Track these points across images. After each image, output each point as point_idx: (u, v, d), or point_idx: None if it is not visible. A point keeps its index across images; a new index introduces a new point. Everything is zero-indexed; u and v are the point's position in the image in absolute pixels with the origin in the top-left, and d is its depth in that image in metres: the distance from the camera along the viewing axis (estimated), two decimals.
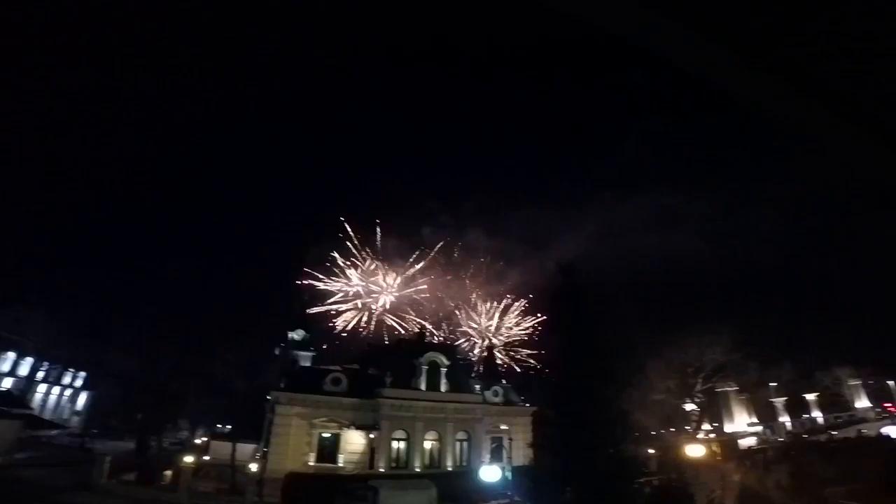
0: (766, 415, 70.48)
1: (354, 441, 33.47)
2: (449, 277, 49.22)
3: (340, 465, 32.61)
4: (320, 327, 40.82)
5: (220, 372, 37.11)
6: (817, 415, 73.58)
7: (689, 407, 51.02)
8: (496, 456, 35.65)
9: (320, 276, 56.35)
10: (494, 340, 48.95)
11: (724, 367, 50.59)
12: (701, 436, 50.18)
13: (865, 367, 74.04)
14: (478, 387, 37.73)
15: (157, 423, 45.33)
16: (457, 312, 46.71)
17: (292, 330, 38.91)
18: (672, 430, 49.54)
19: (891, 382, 79.87)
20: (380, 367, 34.91)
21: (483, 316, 50.70)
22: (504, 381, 39.69)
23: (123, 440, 45.59)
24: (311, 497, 28.15)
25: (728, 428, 66.72)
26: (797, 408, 73.59)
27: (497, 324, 51.22)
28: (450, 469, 34.04)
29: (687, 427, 51.30)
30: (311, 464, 32.01)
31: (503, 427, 37.21)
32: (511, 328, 52.00)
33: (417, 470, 33.06)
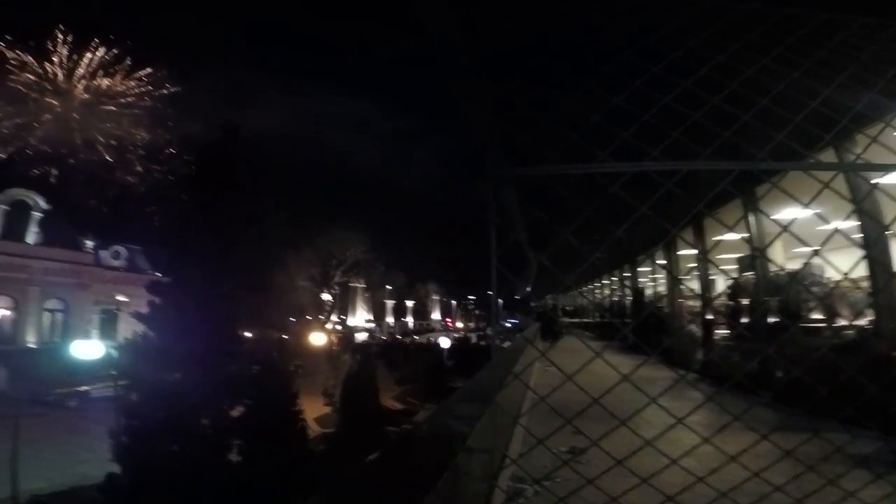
0: (378, 314, 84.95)
1: None
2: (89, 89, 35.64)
3: None
4: None
5: None
6: (410, 320, 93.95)
7: (326, 297, 56.08)
8: (107, 331, 29.78)
9: None
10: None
11: (360, 264, 57.92)
12: (329, 326, 55.72)
13: (442, 287, 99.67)
14: (90, 244, 30.20)
15: None
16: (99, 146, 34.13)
17: None
18: (308, 318, 53.19)
19: (454, 302, 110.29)
20: None
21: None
22: (134, 243, 32.55)
23: None
24: None
25: (350, 322, 76.43)
26: (399, 311, 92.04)
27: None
28: (32, 346, 26.87)
29: (321, 316, 56.23)
30: None
31: (121, 297, 31.20)
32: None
33: None
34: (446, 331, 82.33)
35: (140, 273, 31.35)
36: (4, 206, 26.55)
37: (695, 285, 12.51)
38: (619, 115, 1.52)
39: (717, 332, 11.53)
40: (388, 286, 76.27)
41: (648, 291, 17.66)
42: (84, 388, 23.06)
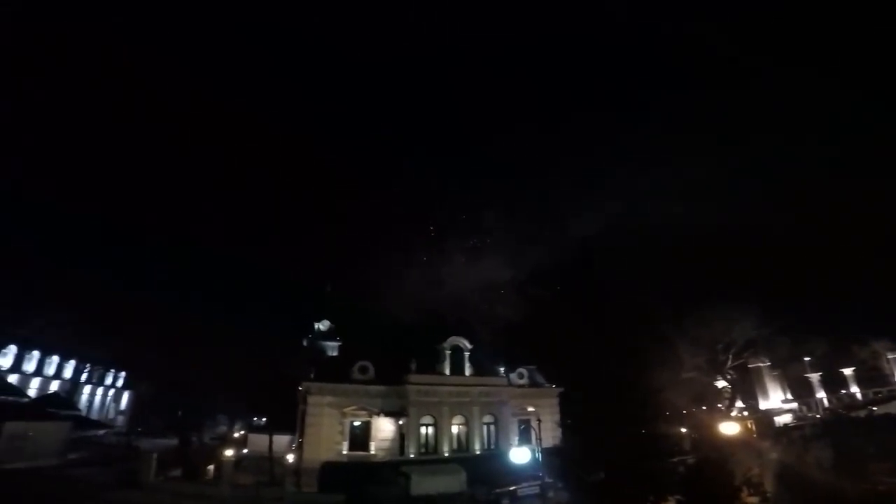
0: (800, 391, 68.33)
1: (384, 428, 34.11)
2: (463, 260, 49.38)
3: (372, 452, 33.30)
4: (346, 314, 41.17)
5: (249, 366, 38.50)
6: (855, 390, 71.09)
7: (721, 384, 50.38)
8: (524, 438, 35.95)
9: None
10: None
11: (755, 342, 49.85)
12: (734, 413, 49.30)
13: None
14: (502, 369, 37.79)
15: (196, 420, 47.28)
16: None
17: (318, 321, 39.73)
18: (704, 408, 48.88)
19: None
20: (404, 353, 35.35)
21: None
22: (529, 364, 39.83)
23: (167, 437, 47.41)
24: (345, 484, 28.96)
25: (762, 405, 64.85)
26: (833, 383, 71.20)
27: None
28: (478, 453, 34.37)
29: (719, 405, 50.61)
30: (345, 452, 32.78)
31: (530, 409, 37.33)
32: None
33: (446, 454, 33.55)
34: None
35: (539, 387, 37.61)
36: (448, 350, 36.81)
37: None
38: None
39: None
40: (805, 358, 61.46)
41: None
42: (513, 487, 27.55)
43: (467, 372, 36.72)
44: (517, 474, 28.76)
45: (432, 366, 36.03)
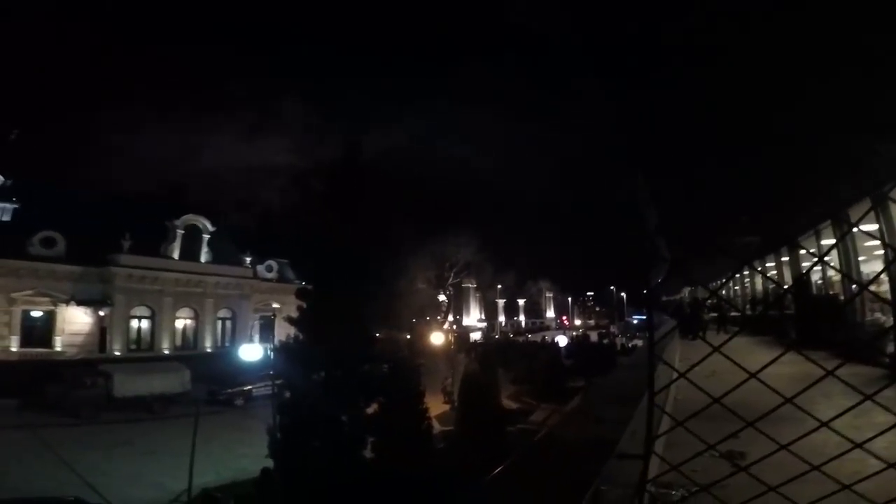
0: (490, 313, 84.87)
1: (77, 320, 26.57)
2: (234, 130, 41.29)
3: (58, 349, 25.87)
4: (35, 167, 29.28)
5: None
6: (523, 318, 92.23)
7: (441, 298, 57.85)
8: (265, 336, 33.57)
9: None
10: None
11: (471, 265, 59.01)
12: (446, 326, 57.24)
13: (558, 283, 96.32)
14: (249, 260, 33.52)
15: None
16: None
17: None
18: (427, 319, 55.19)
19: (569, 299, 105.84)
20: (116, 227, 27.36)
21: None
22: (282, 258, 36.44)
23: None
24: (15, 388, 21.87)
25: (465, 321, 77.26)
26: (511, 310, 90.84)
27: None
28: (209, 350, 30.35)
29: (438, 317, 58.15)
30: (14, 349, 24.72)
31: (275, 305, 34.11)
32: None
33: (166, 352, 28.36)
34: (562, 329, 79.13)
35: (289, 283, 35.16)
36: (181, 230, 30.39)
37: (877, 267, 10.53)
38: None
39: None
40: (499, 285, 75.95)
41: (814, 278, 15.09)
42: (248, 387, 25.25)
43: (203, 258, 31.22)
44: (253, 373, 26.74)
45: (156, 246, 29.26)
